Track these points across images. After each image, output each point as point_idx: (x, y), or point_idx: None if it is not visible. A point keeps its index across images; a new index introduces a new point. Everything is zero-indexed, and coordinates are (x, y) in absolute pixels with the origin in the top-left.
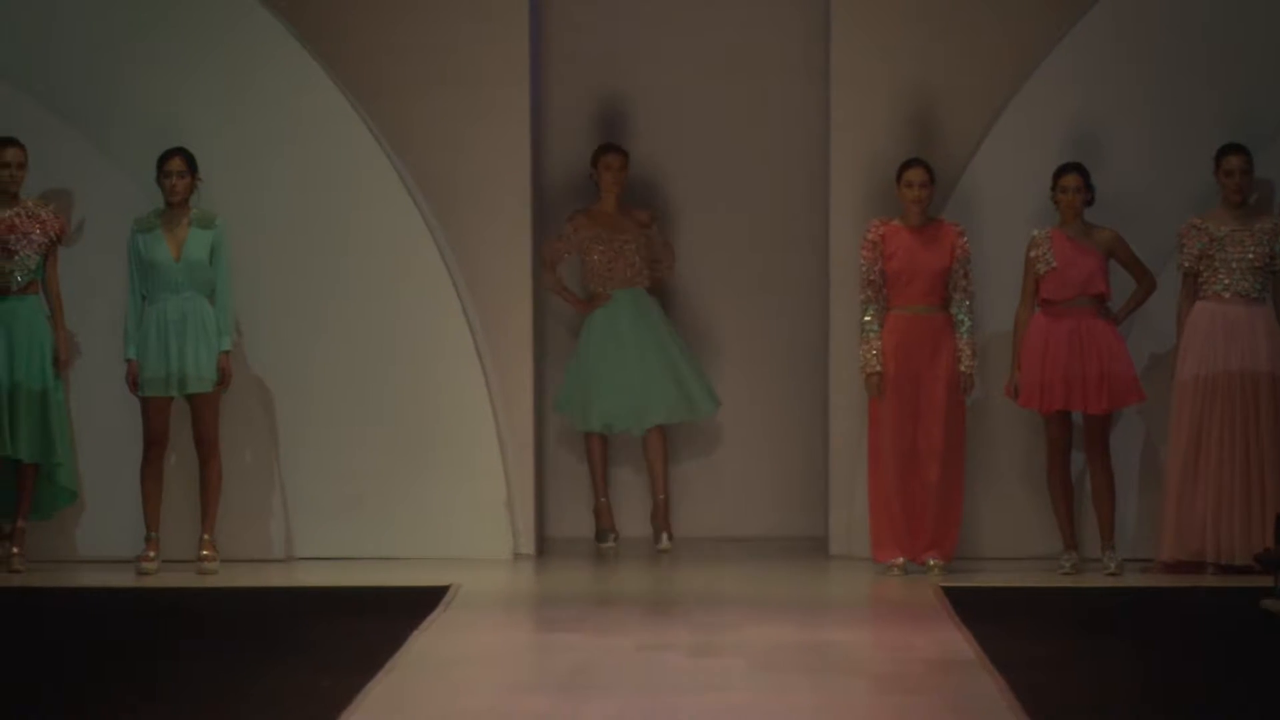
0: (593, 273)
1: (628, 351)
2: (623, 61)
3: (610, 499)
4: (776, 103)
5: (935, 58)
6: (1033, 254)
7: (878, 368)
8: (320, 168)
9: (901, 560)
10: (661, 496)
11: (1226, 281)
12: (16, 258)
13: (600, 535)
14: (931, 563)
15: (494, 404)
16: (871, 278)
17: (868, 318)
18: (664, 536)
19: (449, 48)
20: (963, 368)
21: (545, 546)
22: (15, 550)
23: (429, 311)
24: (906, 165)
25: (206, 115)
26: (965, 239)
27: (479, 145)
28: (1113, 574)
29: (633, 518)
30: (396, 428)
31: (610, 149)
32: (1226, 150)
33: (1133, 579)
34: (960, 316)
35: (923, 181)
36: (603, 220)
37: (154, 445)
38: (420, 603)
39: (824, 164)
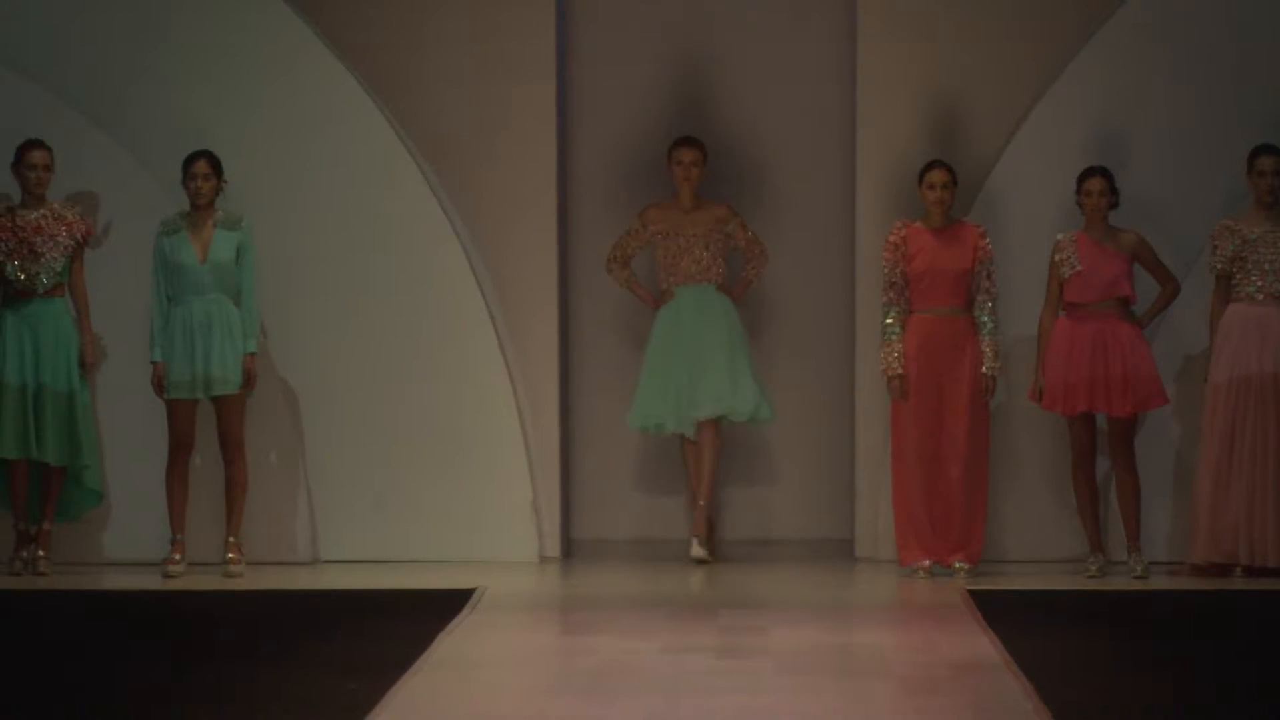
0: (660, 268)
1: (683, 347)
2: (652, 57)
3: (710, 504)
4: (802, 105)
5: (961, 61)
6: (1057, 257)
7: (900, 370)
8: (344, 167)
9: (927, 563)
10: (702, 502)
11: (1260, 284)
12: (43, 260)
13: (696, 541)
14: (957, 565)
15: (519, 405)
16: (894, 279)
17: (890, 320)
18: (694, 542)
19: (474, 42)
20: (986, 370)
21: (571, 549)
22: (41, 553)
23: (454, 312)
24: (928, 167)
25: (230, 116)
26: (988, 240)
27: (505, 142)
28: (1139, 577)
29: (659, 518)
30: (421, 429)
31: (683, 142)
32: (1259, 151)
33: (1160, 582)
34: (983, 318)
35: (944, 183)
36: (673, 215)
37: (180, 448)
38: (446, 605)
39: (850, 167)
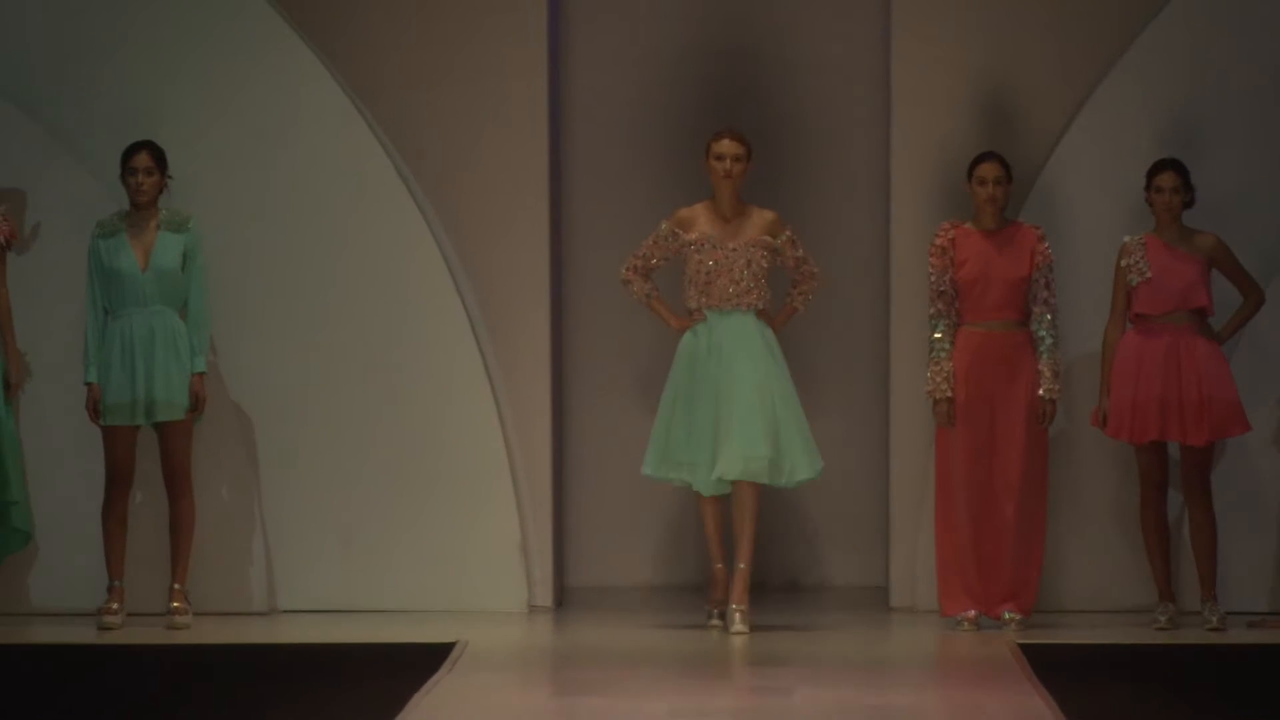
0: (689, 284)
1: (711, 384)
2: (656, 55)
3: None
4: (825, 97)
5: (1007, 42)
6: (1124, 263)
7: (948, 392)
8: (314, 170)
9: (973, 613)
10: (742, 565)
11: None
12: None
13: (737, 614)
14: (1008, 616)
15: (506, 433)
16: (941, 288)
17: (937, 335)
18: (737, 616)
19: (459, 39)
20: (1043, 392)
21: (565, 597)
22: None
23: (433, 329)
24: (979, 160)
25: (189, 109)
26: (1047, 244)
27: (491, 146)
28: (1215, 629)
29: (665, 562)
30: (395, 460)
31: (723, 134)
32: None
33: (1238, 635)
34: (1041, 333)
35: (997, 178)
36: (710, 222)
37: (118, 481)
38: (422, 662)
39: (883, 162)
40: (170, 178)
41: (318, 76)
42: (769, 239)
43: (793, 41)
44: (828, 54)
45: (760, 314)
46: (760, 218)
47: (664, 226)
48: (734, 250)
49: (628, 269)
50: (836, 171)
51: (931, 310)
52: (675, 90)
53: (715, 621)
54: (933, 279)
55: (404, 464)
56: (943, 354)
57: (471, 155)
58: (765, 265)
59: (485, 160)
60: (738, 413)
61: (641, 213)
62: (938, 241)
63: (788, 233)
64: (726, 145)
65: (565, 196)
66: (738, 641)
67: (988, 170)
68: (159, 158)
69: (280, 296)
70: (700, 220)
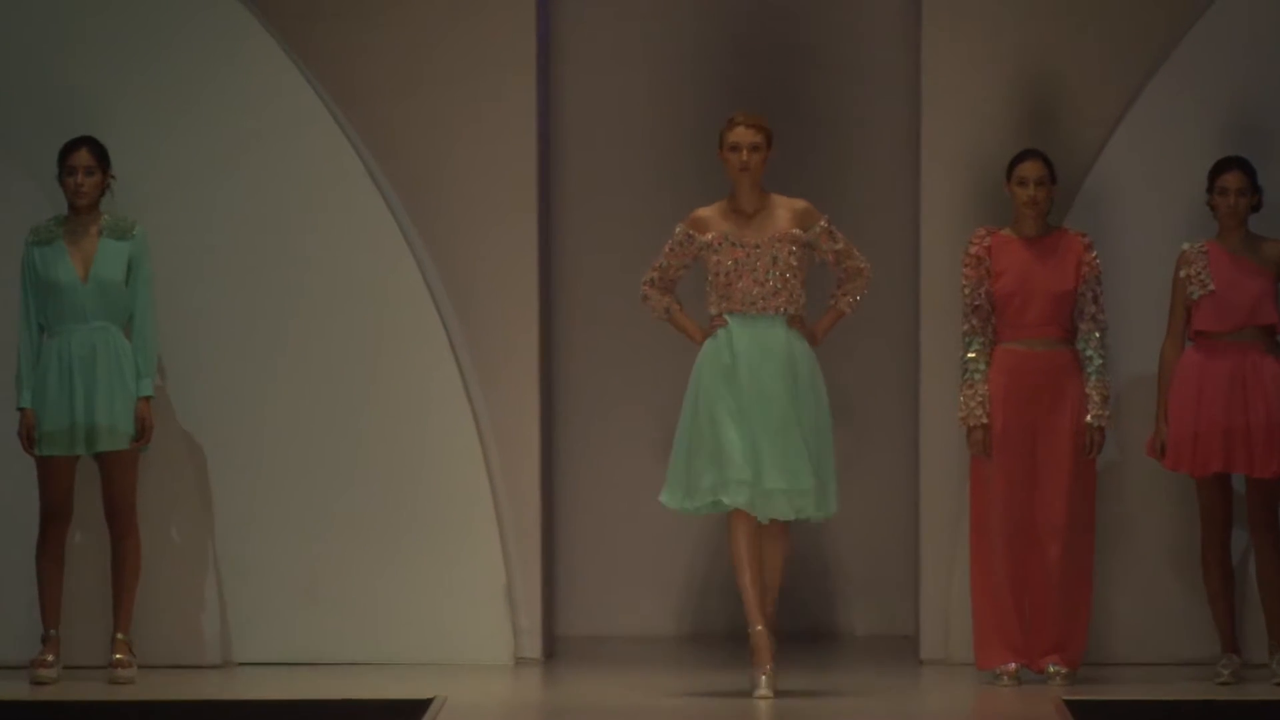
0: (710, 288)
1: (737, 398)
2: (659, 52)
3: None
4: (848, 90)
5: (1050, 31)
6: (1183, 273)
7: (983, 419)
8: (281, 176)
9: (1014, 666)
10: (760, 628)
11: None
12: None
13: (762, 676)
14: (1053, 669)
15: (490, 466)
16: (976, 302)
17: (971, 354)
18: (763, 679)
19: (441, 35)
20: (1091, 419)
21: (555, 649)
22: None
23: (411, 354)
24: (1020, 158)
25: (142, 107)
26: (1095, 253)
27: (475, 152)
28: None
29: (665, 610)
30: (367, 497)
31: (736, 121)
32: None
33: None
34: (1089, 352)
35: (1040, 178)
36: (729, 219)
37: (54, 519)
38: None
39: (912, 163)
40: (113, 177)
41: (284, 72)
42: (798, 232)
43: (809, 34)
44: (848, 46)
45: (793, 321)
46: (788, 209)
47: (678, 230)
48: (756, 247)
49: (645, 282)
50: (858, 175)
51: (965, 327)
52: (680, 89)
53: (764, 692)
54: (966, 292)
55: (376, 500)
56: (977, 376)
57: (453, 162)
58: (796, 263)
59: (468, 167)
60: (772, 440)
61: (643, 225)
62: (972, 250)
63: (822, 223)
64: (741, 134)
65: (556, 208)
66: (740, 693)
67: (1029, 170)
68: (100, 155)
69: (238, 313)
70: (717, 219)
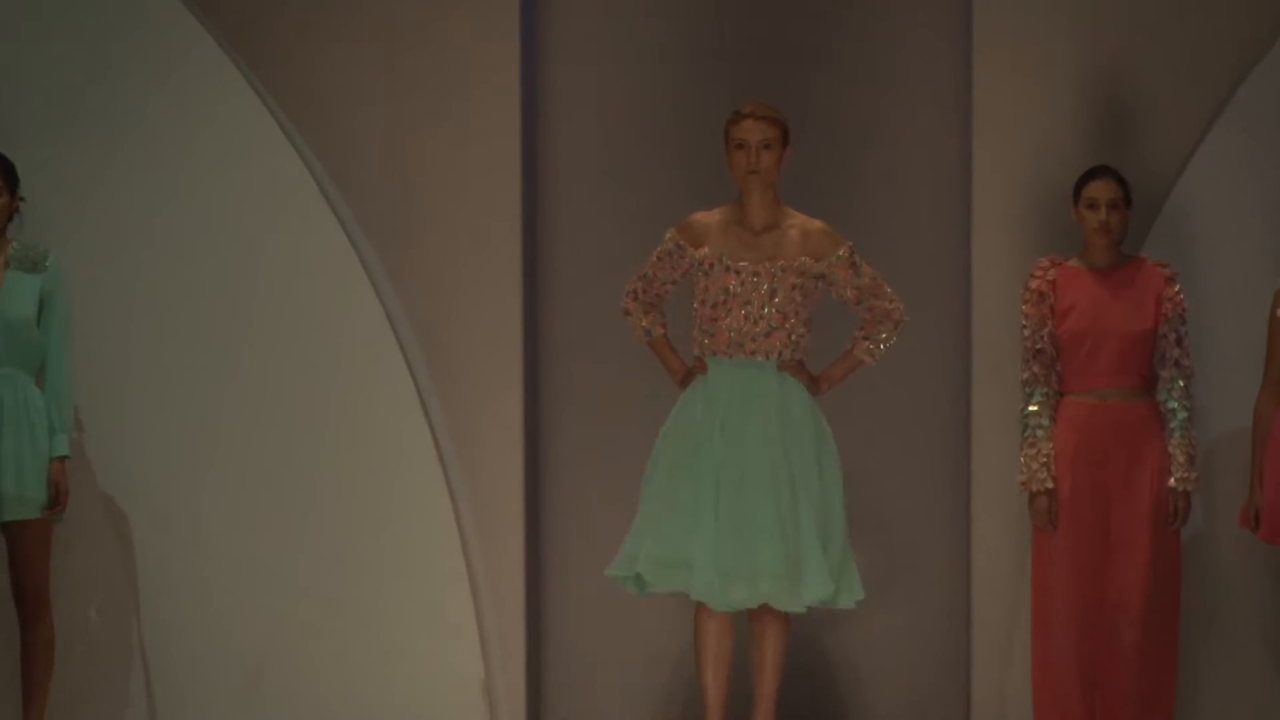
0: (696, 319)
1: (706, 465)
2: (661, 52)
3: None
4: (886, 99)
5: (1122, 34)
6: None
7: (1048, 483)
8: (224, 200)
9: None
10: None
11: None
12: None
13: None
14: None
15: (465, 537)
16: (1038, 345)
17: (1033, 407)
18: None
19: (412, 43)
20: (1175, 482)
21: None
22: None
23: (370, 404)
24: (1089, 176)
25: (66, 121)
26: (1178, 288)
27: (449, 174)
28: None
29: (657, 700)
30: (319, 573)
31: (744, 114)
32: None
33: None
34: (1171, 404)
35: (1113, 200)
36: (733, 233)
37: None
38: None
39: (962, 185)
40: (22, 199)
41: (229, 79)
42: (808, 261)
43: (841, 35)
44: (888, 49)
45: (788, 367)
46: (802, 230)
47: (668, 237)
48: (754, 275)
49: (628, 293)
50: (900, 198)
51: (1025, 374)
52: (687, 95)
53: None
54: (1027, 333)
55: (332, 580)
56: (1040, 432)
57: (422, 184)
58: (800, 298)
59: (439, 190)
60: (757, 517)
61: (635, 246)
62: (1034, 284)
63: (842, 251)
64: (750, 128)
65: (542, 237)
66: None
67: (1100, 190)
68: (7, 174)
69: (170, 359)
70: (716, 232)
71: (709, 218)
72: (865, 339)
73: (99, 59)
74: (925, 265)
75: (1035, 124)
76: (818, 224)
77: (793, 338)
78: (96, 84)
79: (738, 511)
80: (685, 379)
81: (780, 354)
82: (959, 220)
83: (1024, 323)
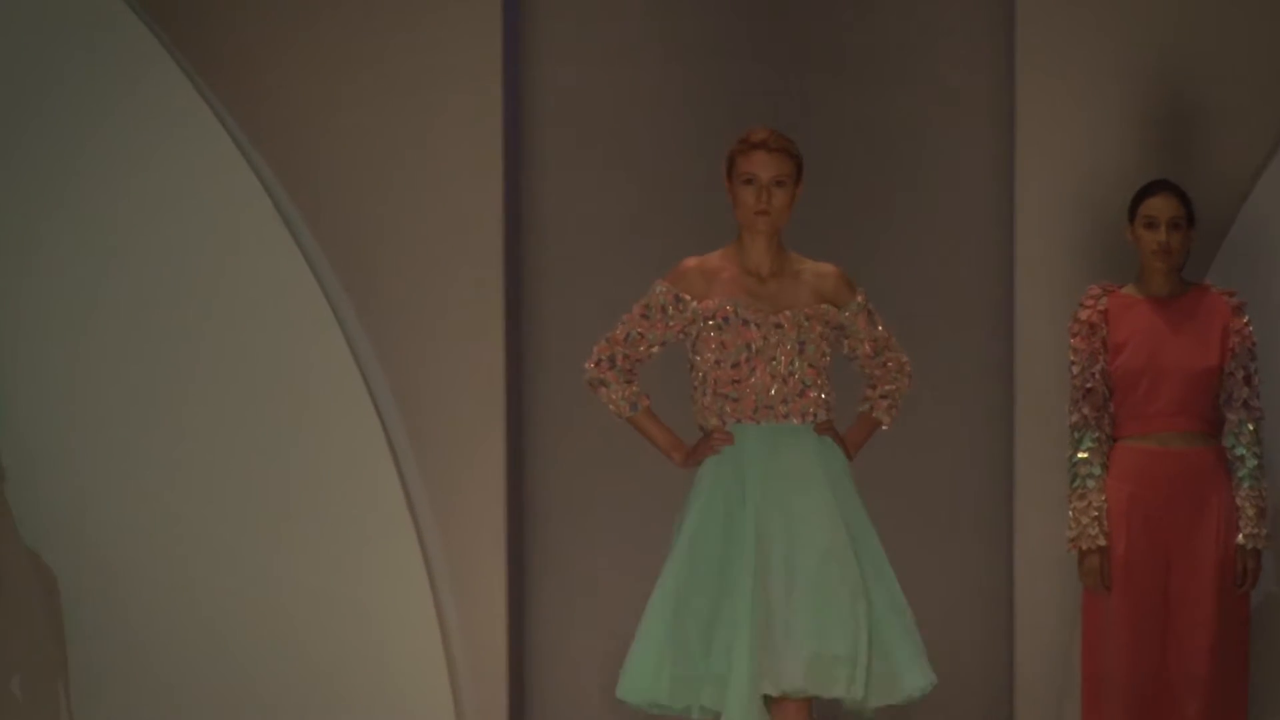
0: (704, 386)
1: (741, 554)
2: (661, 54)
3: None
4: (918, 108)
5: (1181, 37)
6: None
7: (1099, 540)
8: (172, 223)
9: None
10: None
11: None
12: None
13: None
14: None
15: (441, 606)
16: (1089, 384)
17: (1083, 454)
18: None
19: (382, 58)
20: (1244, 539)
21: None
22: None
23: (334, 457)
24: (1147, 192)
25: (13, 139)
26: (1247, 319)
27: (423, 192)
28: None
29: None
30: (272, 647)
31: (754, 143)
32: None
33: None
34: (1240, 451)
35: (1174, 218)
36: (739, 281)
37: None
38: None
39: (1003, 204)
40: None
41: (177, 87)
42: (830, 309)
43: (867, 39)
44: (914, 50)
45: (823, 429)
46: (815, 274)
47: (660, 289)
48: (778, 327)
49: (595, 362)
50: (933, 220)
51: (1074, 417)
52: (681, 99)
53: None
54: (1075, 370)
55: (288, 651)
56: (1091, 482)
57: (392, 206)
58: (828, 350)
59: (411, 213)
60: (799, 593)
61: (628, 284)
62: (1083, 315)
63: (860, 298)
64: (762, 161)
65: (529, 280)
66: None
67: (1160, 207)
68: None
69: (105, 396)
70: (721, 278)
71: (706, 264)
72: (884, 398)
73: (51, 74)
74: (962, 295)
75: (1085, 134)
76: (829, 267)
77: (824, 396)
78: (49, 100)
79: (796, 598)
80: (695, 454)
81: (815, 414)
82: (999, 243)
83: (1072, 358)
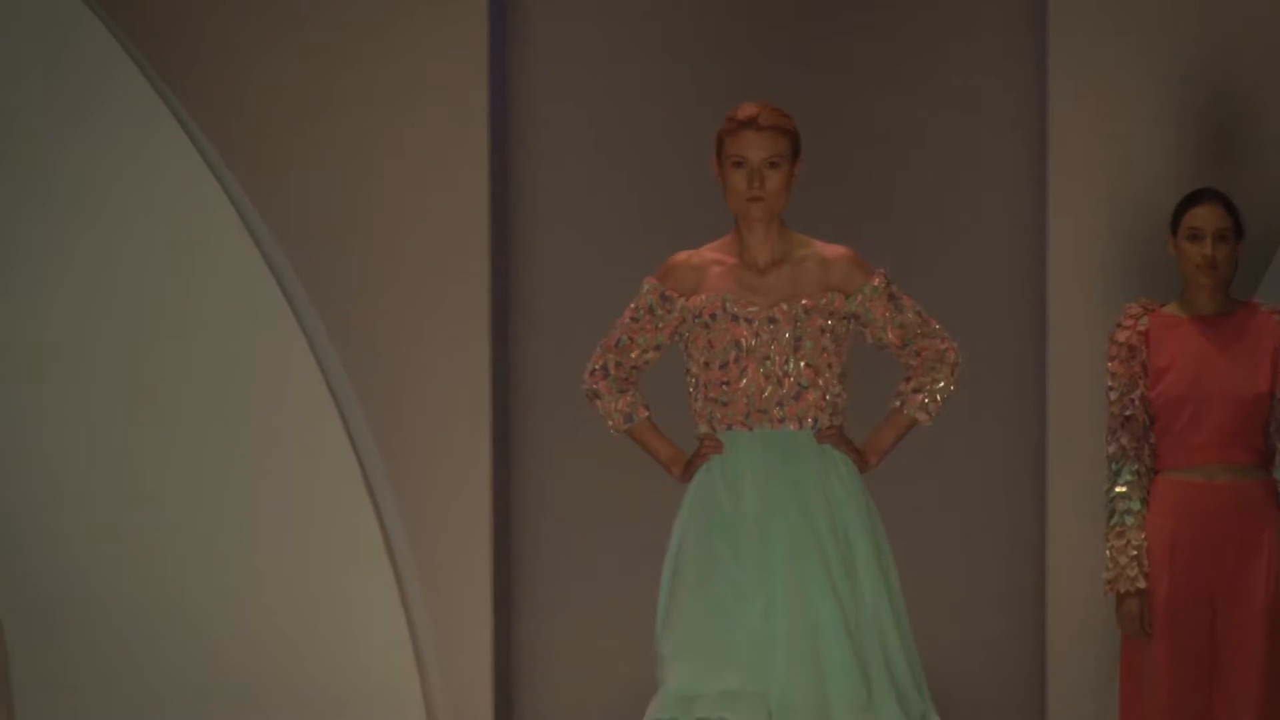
0: (696, 387)
1: (749, 562)
2: (657, 54)
3: None
4: (939, 112)
5: (1230, 30)
6: None
7: (1139, 582)
8: (138, 245)
9: None
10: None
11: None
12: None
13: None
14: None
15: (421, 658)
16: (1128, 412)
17: (1121, 488)
18: None
19: (357, 67)
20: None
21: None
22: None
23: (311, 497)
24: (1192, 201)
25: None
26: None
27: (402, 214)
28: None
29: None
30: (244, 693)
31: (744, 121)
32: None
33: None
34: None
35: (1220, 230)
36: (733, 273)
37: None
38: None
39: (1034, 214)
40: None
41: (142, 95)
42: (836, 297)
43: (883, 41)
44: (938, 54)
45: (828, 436)
46: (821, 260)
47: (647, 289)
48: (771, 321)
49: (591, 372)
50: (958, 233)
51: (1112, 447)
52: (677, 97)
53: None
54: (1113, 396)
55: (258, 696)
56: (1129, 519)
57: (372, 223)
58: (834, 345)
59: (392, 231)
60: (793, 636)
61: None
62: (1121, 336)
63: (877, 280)
64: (752, 141)
65: (516, 299)
66: None
67: (1205, 217)
68: None
69: (59, 436)
70: (712, 273)
71: (697, 257)
72: (917, 391)
73: (11, 80)
74: (990, 314)
75: (1122, 138)
76: (839, 250)
77: (828, 397)
78: (9, 107)
79: (795, 627)
80: (689, 467)
81: (815, 420)
82: (1030, 258)
83: (1110, 384)
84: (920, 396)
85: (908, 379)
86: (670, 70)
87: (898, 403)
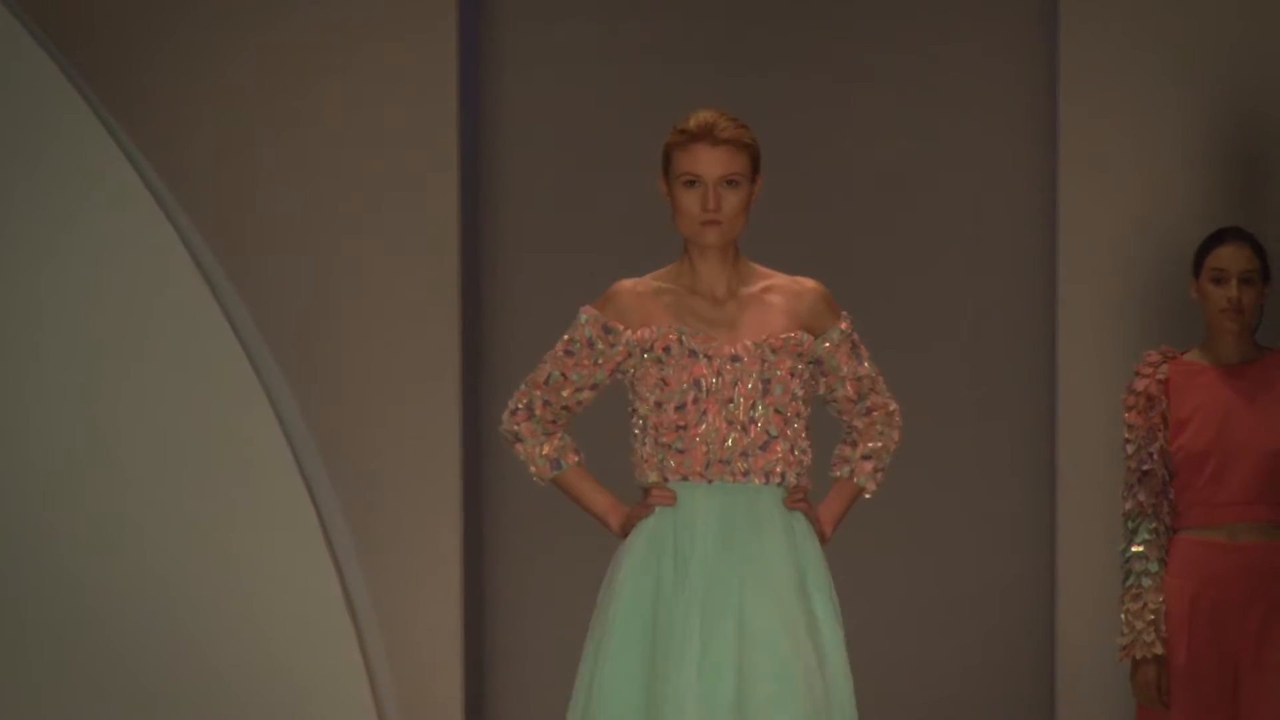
0: (643, 434)
1: (678, 634)
2: (632, 58)
3: None
4: (941, 137)
5: (1252, 60)
6: None
7: (1156, 648)
8: (82, 275)
9: None
10: None
11: None
12: None
13: None
14: None
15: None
16: (1146, 466)
17: (1138, 547)
18: None
19: (318, 96)
20: None
21: None
22: None
23: (263, 547)
24: (1215, 241)
25: None
26: None
27: (362, 227)
28: None
29: None
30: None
31: (697, 131)
32: None
33: None
34: None
35: (1246, 272)
36: (685, 303)
37: None
38: None
39: (1044, 251)
40: None
41: (83, 124)
42: (805, 336)
43: (881, 51)
44: (942, 70)
45: (794, 501)
46: (788, 294)
47: (584, 319)
48: (734, 360)
49: (511, 412)
50: (962, 266)
51: (1128, 504)
52: (660, 104)
53: None
54: (1130, 450)
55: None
56: (1147, 581)
57: (334, 254)
58: (802, 391)
59: (353, 266)
60: (735, 674)
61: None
62: (1140, 385)
63: (845, 325)
64: (706, 158)
65: (487, 315)
66: None
67: (1230, 257)
68: None
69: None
70: (663, 301)
71: (643, 285)
72: (867, 459)
73: None
74: (995, 359)
75: (1138, 175)
76: (809, 283)
77: (796, 452)
78: None
79: (702, 669)
80: (630, 518)
81: (784, 476)
82: (1040, 299)
83: (1127, 436)
84: (870, 464)
85: (854, 443)
86: (660, 73)
87: (846, 471)
